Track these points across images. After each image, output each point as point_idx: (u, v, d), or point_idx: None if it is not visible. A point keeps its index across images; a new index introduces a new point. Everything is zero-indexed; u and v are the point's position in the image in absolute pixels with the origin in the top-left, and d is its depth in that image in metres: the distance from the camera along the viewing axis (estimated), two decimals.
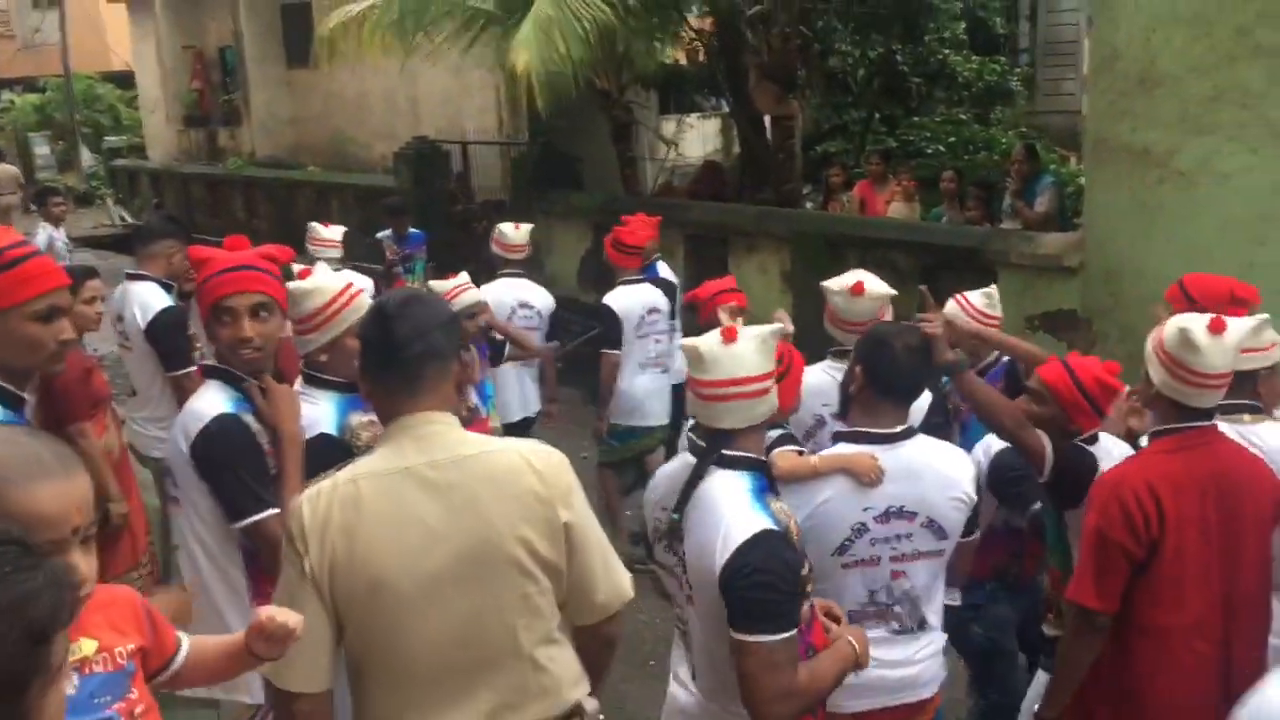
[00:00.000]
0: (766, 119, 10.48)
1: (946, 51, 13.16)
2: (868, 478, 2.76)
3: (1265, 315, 3.06)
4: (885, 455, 2.81)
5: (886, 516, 2.78)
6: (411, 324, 2.17)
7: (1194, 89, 5.79)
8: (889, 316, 3.83)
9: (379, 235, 8.96)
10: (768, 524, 2.40)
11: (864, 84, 13.01)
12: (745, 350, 2.49)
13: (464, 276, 5.25)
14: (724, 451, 2.51)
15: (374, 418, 2.91)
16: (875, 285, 3.83)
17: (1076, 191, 8.93)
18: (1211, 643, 2.82)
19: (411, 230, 8.93)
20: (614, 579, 2.30)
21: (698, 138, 15.24)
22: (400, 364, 2.17)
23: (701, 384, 2.51)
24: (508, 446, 2.31)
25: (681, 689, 2.72)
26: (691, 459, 2.59)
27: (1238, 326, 2.82)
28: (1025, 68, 14.98)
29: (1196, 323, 2.79)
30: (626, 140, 11.06)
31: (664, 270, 6.54)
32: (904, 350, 2.86)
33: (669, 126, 14.06)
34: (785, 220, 8.86)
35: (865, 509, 2.77)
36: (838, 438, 2.95)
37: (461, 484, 2.15)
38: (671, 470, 2.75)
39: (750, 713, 2.39)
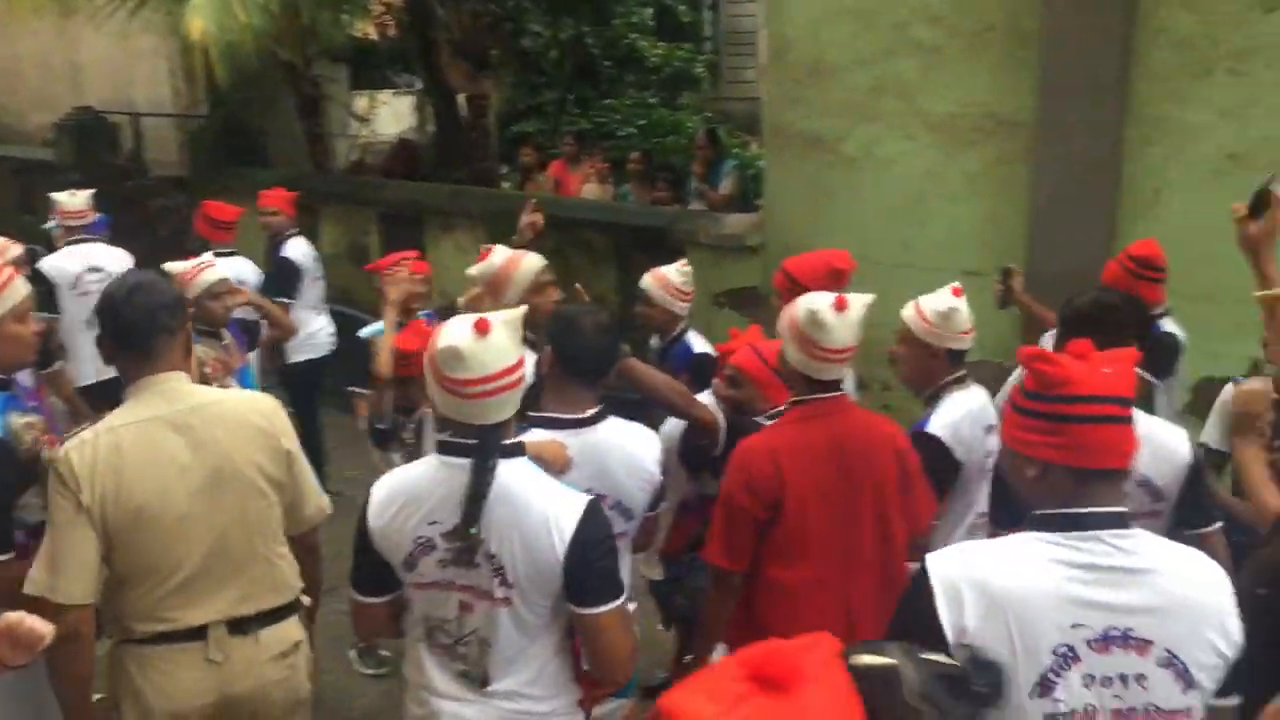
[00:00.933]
0: (460, 97, 10.39)
1: (635, 36, 13.49)
2: (556, 466, 2.78)
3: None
4: (575, 440, 2.86)
5: None
6: (139, 309, 2.66)
7: (858, 80, 6.22)
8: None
9: (47, 225, 7.82)
10: (584, 495, 2.45)
11: (556, 65, 13.14)
12: (501, 340, 2.37)
13: (207, 256, 4.82)
14: (505, 442, 2.43)
15: (32, 419, 2.77)
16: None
17: (758, 175, 9.40)
18: (833, 596, 3.00)
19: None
20: (317, 499, 2.94)
21: (391, 115, 14.89)
22: (135, 342, 2.67)
23: (465, 383, 2.33)
24: (231, 396, 3.01)
25: (459, 703, 2.51)
26: (455, 462, 2.40)
27: (858, 303, 3.02)
28: (710, 55, 15.61)
29: (823, 302, 2.98)
30: (315, 115, 10.65)
31: (296, 248, 6.29)
32: (593, 329, 2.90)
33: (361, 102, 13.67)
34: (481, 199, 8.82)
35: None
36: (531, 423, 2.94)
37: (201, 426, 2.69)
38: (419, 479, 2.47)
39: (613, 677, 2.51)
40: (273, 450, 2.76)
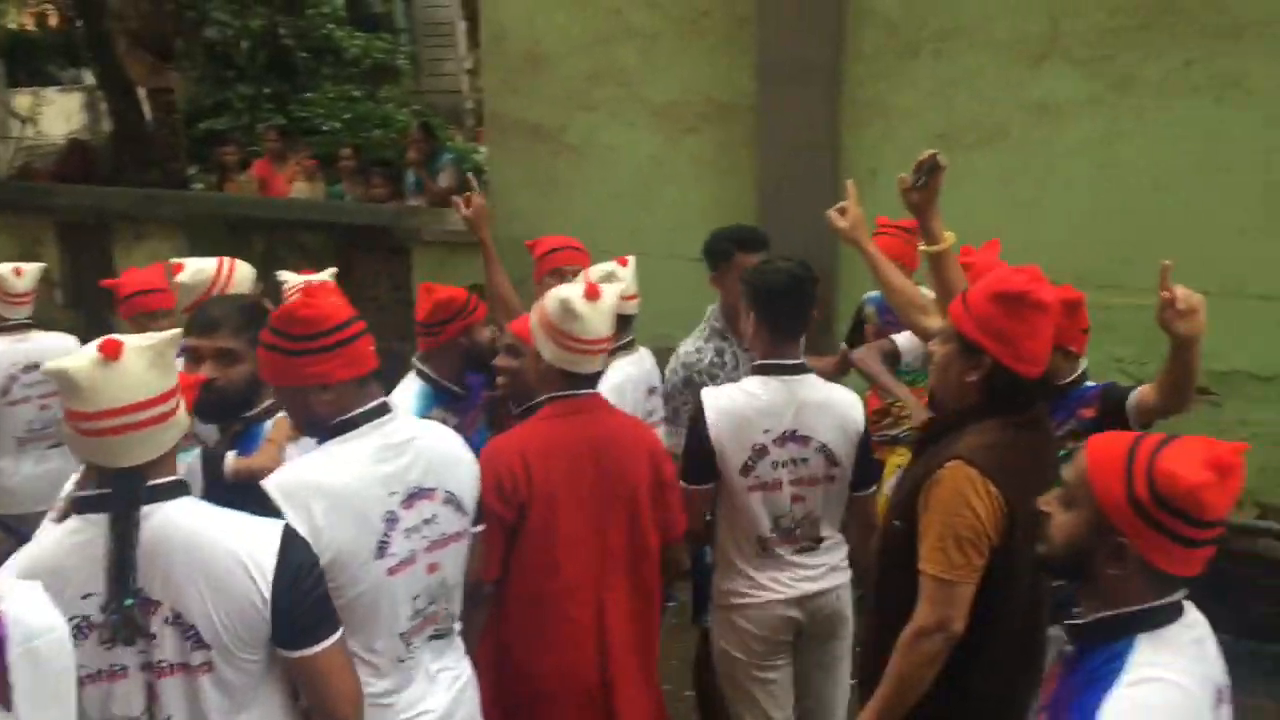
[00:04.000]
0: (141, 92, 9.57)
1: (331, 26, 12.91)
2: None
3: (621, 284, 3.30)
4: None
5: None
6: None
7: (576, 67, 6.14)
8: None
9: None
10: (276, 521, 2.14)
11: (248, 57, 12.36)
12: (135, 366, 2.00)
13: None
14: (152, 484, 2.03)
15: None
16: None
17: (475, 167, 9.19)
18: (584, 607, 2.87)
19: None
20: None
21: (59, 114, 13.56)
22: None
23: (85, 417, 1.97)
24: None
25: None
26: (96, 519, 2.00)
27: (610, 291, 2.92)
28: (408, 46, 15.20)
29: (574, 292, 2.85)
30: None
31: None
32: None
33: (23, 101, 12.37)
34: (178, 203, 8.15)
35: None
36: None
37: None
38: (57, 548, 2.03)
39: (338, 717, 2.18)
40: None
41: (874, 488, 3.43)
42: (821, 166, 5.43)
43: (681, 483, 3.18)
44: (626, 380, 3.70)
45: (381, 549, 2.32)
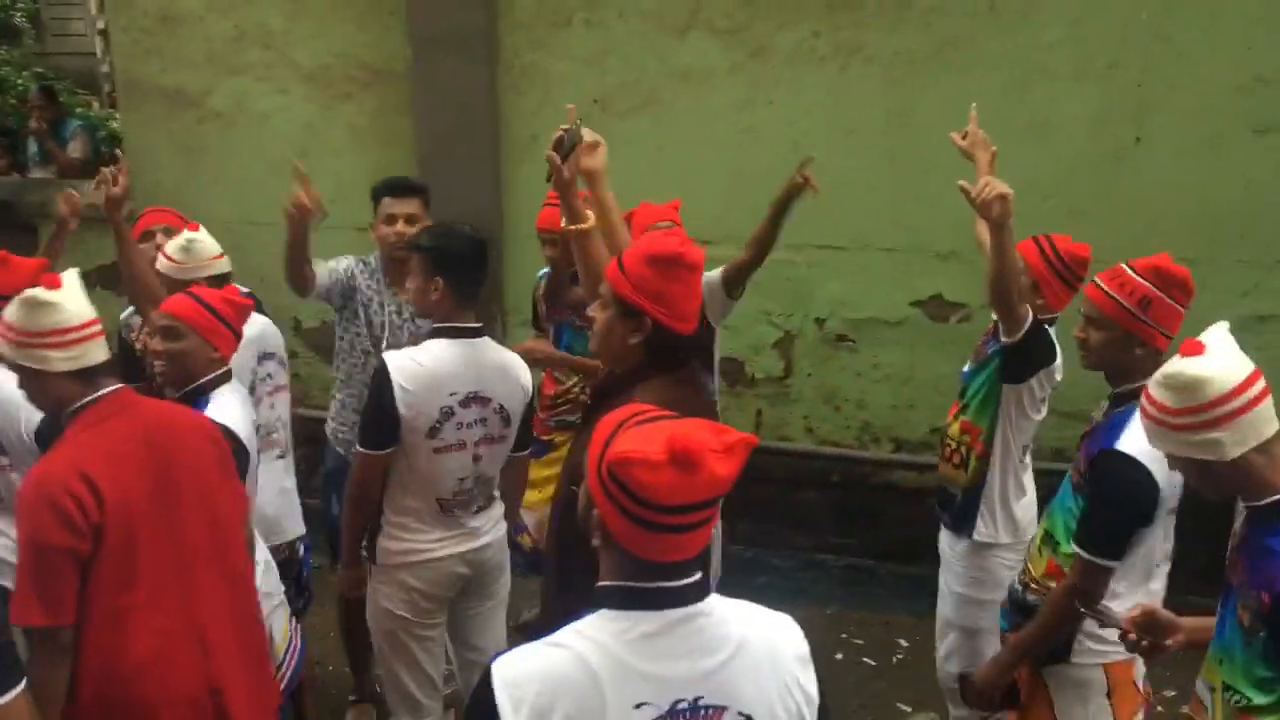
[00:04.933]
0: None
1: None
2: None
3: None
4: None
5: None
6: None
7: (217, 28, 5.81)
8: None
9: None
10: None
11: None
12: None
13: None
14: None
15: None
16: None
17: (110, 135, 8.50)
18: (172, 615, 2.63)
19: None
20: None
21: None
22: None
23: None
24: None
25: None
26: None
27: (70, 275, 2.65)
28: (30, 5, 13.79)
29: (30, 291, 2.57)
30: None
31: None
32: None
33: None
34: None
35: None
36: None
37: None
38: None
39: None
40: None
41: (529, 450, 3.66)
42: (481, 134, 5.43)
43: (359, 448, 3.20)
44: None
45: None
